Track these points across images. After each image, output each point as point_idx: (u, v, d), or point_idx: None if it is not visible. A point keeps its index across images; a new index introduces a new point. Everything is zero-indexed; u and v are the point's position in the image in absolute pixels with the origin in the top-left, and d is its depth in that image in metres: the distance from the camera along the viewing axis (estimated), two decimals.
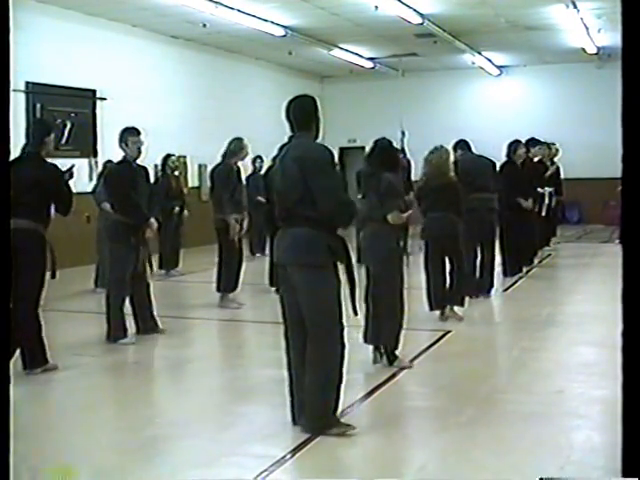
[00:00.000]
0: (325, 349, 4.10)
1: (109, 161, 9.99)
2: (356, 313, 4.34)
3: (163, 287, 9.34)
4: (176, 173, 11.75)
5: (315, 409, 4.15)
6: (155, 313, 6.92)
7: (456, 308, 7.29)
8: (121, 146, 6.61)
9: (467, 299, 7.40)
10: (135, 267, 6.62)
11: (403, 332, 5.69)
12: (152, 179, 9.20)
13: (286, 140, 4.33)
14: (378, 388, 5.12)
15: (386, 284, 5.63)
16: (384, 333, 5.64)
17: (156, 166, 11.62)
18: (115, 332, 6.54)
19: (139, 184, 6.66)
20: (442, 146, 7.29)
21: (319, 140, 4.36)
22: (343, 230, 4.31)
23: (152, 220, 6.76)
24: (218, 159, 8.24)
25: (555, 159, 12.77)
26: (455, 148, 8.55)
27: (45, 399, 5.24)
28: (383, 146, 5.83)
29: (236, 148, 8.17)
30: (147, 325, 6.81)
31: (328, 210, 4.05)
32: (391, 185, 5.63)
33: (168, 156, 11.31)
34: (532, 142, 10.89)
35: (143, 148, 6.70)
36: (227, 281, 8.32)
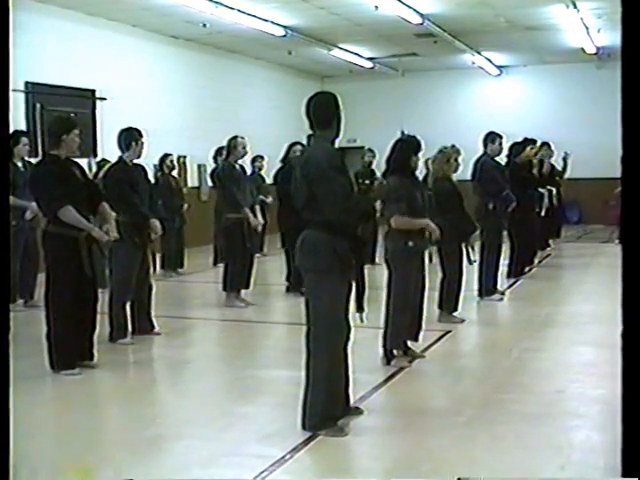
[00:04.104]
0: (321, 352, 4.12)
1: (103, 160, 10.01)
2: (362, 319, 4.33)
3: (163, 287, 9.33)
4: (174, 173, 11.75)
5: (310, 407, 4.18)
6: (153, 314, 6.91)
7: (455, 313, 7.27)
8: (125, 146, 6.58)
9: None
10: (140, 267, 6.63)
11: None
12: (152, 179, 9.24)
13: (305, 140, 4.33)
14: (377, 388, 5.13)
15: (394, 285, 5.67)
16: (389, 332, 5.67)
17: (155, 166, 11.63)
18: (116, 332, 6.54)
19: (139, 183, 6.66)
20: (446, 147, 7.19)
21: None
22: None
23: (156, 221, 6.74)
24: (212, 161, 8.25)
25: (552, 160, 12.79)
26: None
27: (45, 399, 5.24)
28: (392, 147, 5.80)
29: (230, 146, 8.21)
30: (143, 326, 6.80)
31: (332, 216, 4.07)
32: (391, 190, 5.58)
33: (166, 156, 11.31)
34: (525, 142, 10.89)
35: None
36: (231, 280, 8.32)
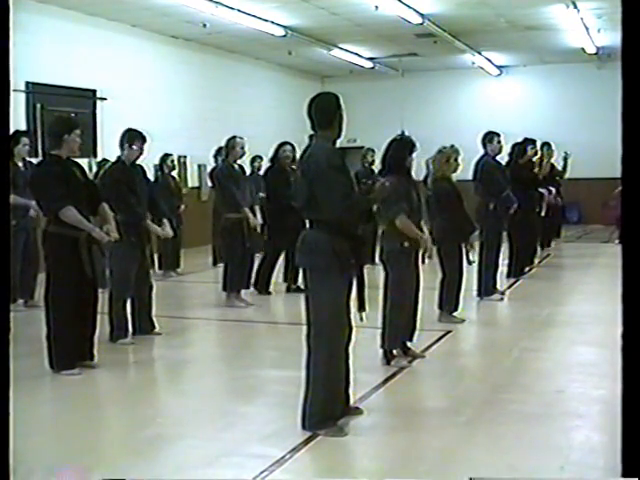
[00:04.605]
0: (321, 350, 4.12)
1: (104, 160, 10.01)
2: (361, 318, 4.34)
3: (163, 287, 9.33)
4: (174, 173, 11.75)
5: (309, 406, 4.18)
6: (153, 314, 6.92)
7: (455, 313, 7.27)
8: (123, 146, 6.61)
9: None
10: (141, 267, 6.65)
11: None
12: (151, 179, 9.24)
13: (307, 140, 4.33)
14: (377, 388, 5.13)
15: (390, 285, 5.67)
16: (387, 333, 5.67)
17: (155, 166, 11.63)
18: (116, 332, 6.55)
19: (137, 183, 6.66)
20: (445, 147, 7.18)
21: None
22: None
23: (163, 220, 6.85)
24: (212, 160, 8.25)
25: (552, 160, 12.79)
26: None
27: (45, 398, 5.24)
28: (387, 147, 5.80)
29: (229, 146, 8.23)
30: (144, 326, 6.80)
31: (332, 215, 4.08)
32: (391, 189, 5.52)
33: (166, 156, 11.32)
34: (526, 142, 10.91)
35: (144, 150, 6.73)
36: (231, 280, 8.33)
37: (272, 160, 9.14)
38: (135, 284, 6.66)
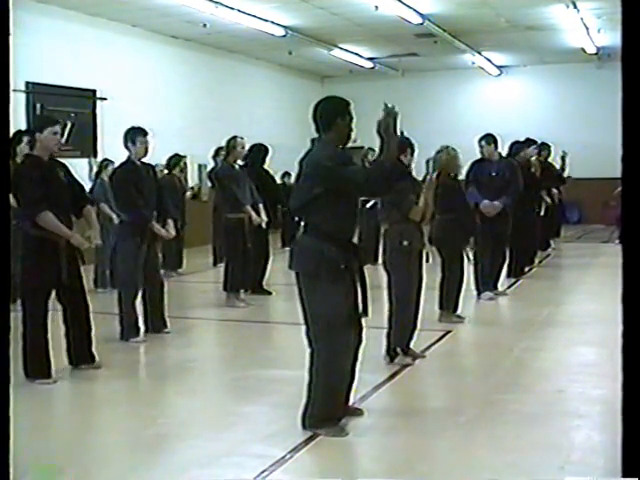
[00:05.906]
0: (321, 355, 4.12)
1: (105, 160, 10.02)
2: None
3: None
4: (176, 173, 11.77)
5: (311, 407, 4.18)
6: (166, 314, 6.93)
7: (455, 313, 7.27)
8: (127, 145, 6.62)
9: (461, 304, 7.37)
10: (150, 266, 6.66)
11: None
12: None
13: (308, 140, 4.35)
14: (379, 387, 5.13)
15: (395, 284, 5.67)
16: (393, 331, 5.68)
17: (157, 166, 11.63)
18: (127, 331, 6.57)
19: (146, 183, 6.66)
20: (447, 147, 7.18)
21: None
22: None
23: (168, 220, 6.87)
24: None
25: (549, 159, 12.78)
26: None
27: (48, 398, 5.23)
28: None
29: (229, 146, 8.26)
30: (156, 324, 6.82)
31: (322, 220, 4.08)
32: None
33: (176, 156, 11.31)
34: (527, 142, 10.92)
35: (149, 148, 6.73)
36: (232, 280, 8.33)
37: (246, 161, 9.15)
38: (146, 283, 6.68)
